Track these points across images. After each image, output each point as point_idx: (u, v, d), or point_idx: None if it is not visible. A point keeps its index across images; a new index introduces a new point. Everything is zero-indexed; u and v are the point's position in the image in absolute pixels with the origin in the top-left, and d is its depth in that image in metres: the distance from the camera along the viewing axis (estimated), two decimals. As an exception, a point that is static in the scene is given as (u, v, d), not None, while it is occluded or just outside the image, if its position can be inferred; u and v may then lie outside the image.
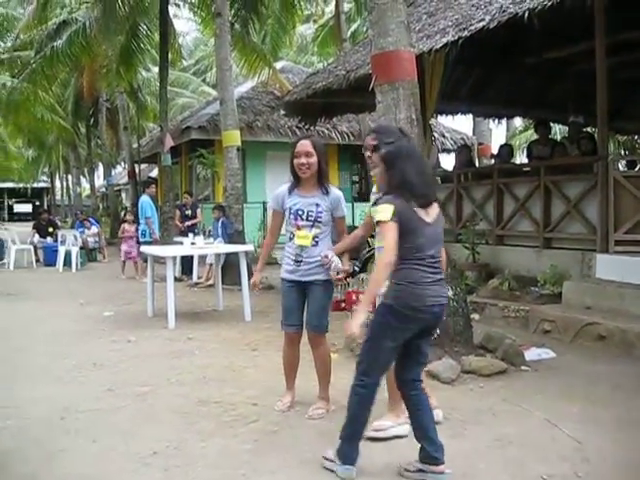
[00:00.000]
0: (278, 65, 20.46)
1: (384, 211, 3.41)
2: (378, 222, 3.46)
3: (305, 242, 4.61)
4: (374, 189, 4.32)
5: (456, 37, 7.79)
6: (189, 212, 14.06)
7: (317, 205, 4.60)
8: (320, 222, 4.60)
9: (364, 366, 3.59)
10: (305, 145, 4.56)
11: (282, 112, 14.95)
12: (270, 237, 4.98)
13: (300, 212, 4.62)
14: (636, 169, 11.34)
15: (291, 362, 4.91)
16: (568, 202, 8.76)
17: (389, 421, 4.20)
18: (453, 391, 5.22)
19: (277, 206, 4.79)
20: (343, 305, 9.03)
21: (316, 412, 4.65)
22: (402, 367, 3.71)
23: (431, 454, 3.52)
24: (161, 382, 5.56)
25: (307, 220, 4.61)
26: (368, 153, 4.19)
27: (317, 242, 4.61)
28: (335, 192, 4.68)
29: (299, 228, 4.63)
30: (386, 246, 3.39)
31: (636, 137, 16.74)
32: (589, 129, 11.57)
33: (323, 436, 4.22)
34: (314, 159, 4.55)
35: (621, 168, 11.15)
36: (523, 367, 5.87)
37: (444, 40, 7.96)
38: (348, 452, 3.60)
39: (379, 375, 3.62)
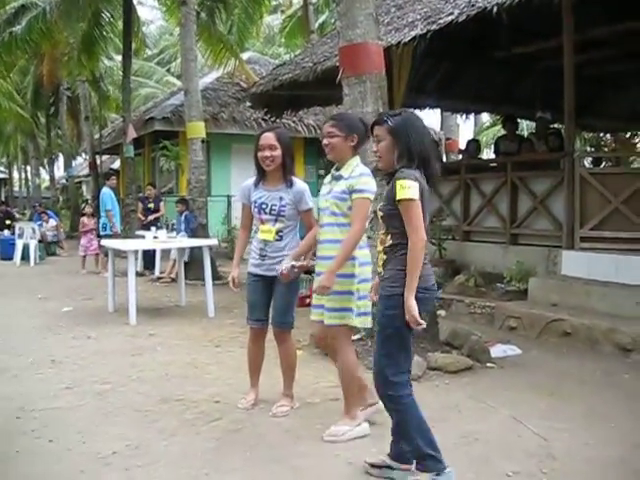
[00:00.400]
0: (244, 56, 20.33)
1: (412, 187, 3.17)
2: (402, 200, 3.18)
3: (268, 236, 4.59)
4: (328, 178, 4.29)
5: (425, 30, 7.82)
6: (152, 205, 13.91)
7: (281, 199, 4.58)
8: (283, 216, 4.57)
9: (394, 368, 3.32)
10: (268, 138, 4.53)
11: (248, 104, 14.85)
12: (242, 231, 4.93)
13: (264, 206, 4.60)
14: (601, 166, 11.53)
15: (255, 359, 4.88)
16: (535, 198, 8.86)
17: (345, 425, 4.14)
18: (419, 387, 5.20)
19: (244, 199, 4.76)
20: (308, 301, 9.00)
21: (280, 410, 4.63)
22: None
23: (404, 454, 3.44)
24: (122, 379, 5.48)
25: (270, 214, 4.58)
26: (325, 141, 4.16)
27: (281, 237, 4.59)
28: (299, 185, 4.63)
29: (262, 222, 4.62)
30: (419, 225, 3.17)
31: (602, 134, 16.98)
32: (556, 125, 11.69)
33: (287, 434, 4.21)
34: (278, 152, 4.52)
35: (587, 165, 11.32)
36: (489, 364, 5.92)
37: (412, 33, 7.98)
38: (436, 461, 3.33)
39: (410, 370, 3.43)
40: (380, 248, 3.41)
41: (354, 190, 4.03)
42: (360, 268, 4.08)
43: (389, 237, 3.34)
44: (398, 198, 3.18)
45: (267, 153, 4.51)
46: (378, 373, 3.36)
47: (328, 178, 4.29)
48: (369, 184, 4.06)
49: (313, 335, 4.49)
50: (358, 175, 4.07)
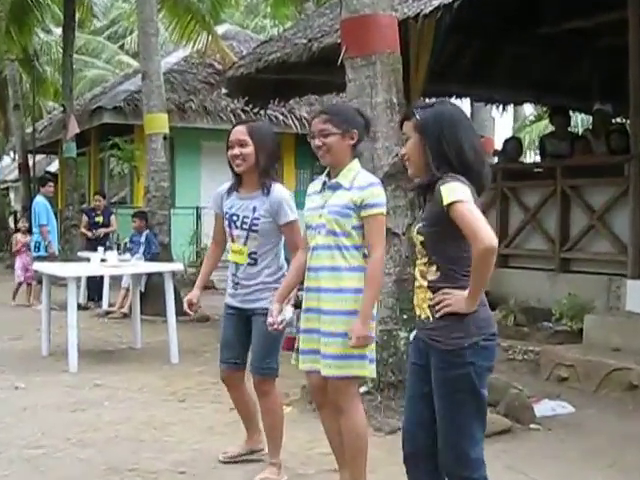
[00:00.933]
0: (220, 30, 20.48)
1: (459, 189, 3.08)
2: (452, 204, 3.05)
3: (238, 259, 4.65)
4: (316, 183, 4.28)
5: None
6: (100, 219, 13.90)
7: (254, 209, 4.60)
8: (256, 232, 4.59)
9: (470, 441, 3.20)
10: (238, 132, 4.60)
11: (224, 91, 14.93)
12: (213, 246, 5.00)
13: (234, 218, 4.65)
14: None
15: (239, 410, 5.01)
16: (592, 213, 8.88)
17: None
18: (442, 456, 5.24)
19: (217, 208, 4.82)
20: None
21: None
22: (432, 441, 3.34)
23: None
24: (59, 443, 5.46)
25: (242, 228, 4.63)
26: (318, 141, 4.08)
27: (255, 260, 4.62)
28: (277, 192, 4.62)
29: (233, 240, 4.68)
30: (481, 226, 3.03)
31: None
32: (619, 120, 11.77)
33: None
34: (249, 149, 4.55)
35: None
36: (532, 425, 5.91)
37: (435, 2, 8.03)
38: None
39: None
40: (421, 283, 3.26)
41: (364, 205, 3.94)
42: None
43: (434, 268, 3.20)
44: (446, 203, 3.05)
45: (236, 151, 4.56)
46: (450, 450, 3.20)
47: (317, 186, 4.22)
48: (381, 196, 4.02)
49: (307, 387, 4.45)
50: (367, 185, 4.00)
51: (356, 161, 4.15)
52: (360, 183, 4.01)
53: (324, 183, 4.15)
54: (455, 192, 3.06)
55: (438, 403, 3.21)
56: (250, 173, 4.61)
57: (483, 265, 3.05)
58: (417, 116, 3.26)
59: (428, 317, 3.21)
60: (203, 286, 4.97)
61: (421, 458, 3.35)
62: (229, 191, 4.75)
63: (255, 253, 4.60)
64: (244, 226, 4.60)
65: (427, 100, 13.07)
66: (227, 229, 4.71)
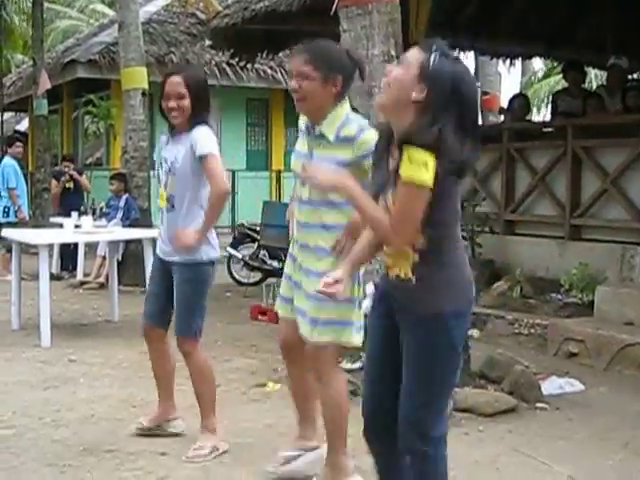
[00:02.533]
0: (203, -25, 20.33)
1: (427, 166, 2.94)
2: (404, 179, 2.94)
3: (161, 203, 4.83)
4: (302, 126, 4.17)
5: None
6: (70, 184, 13.79)
7: (177, 152, 4.73)
8: (174, 173, 4.72)
9: (436, 418, 3.22)
10: (174, 84, 4.67)
11: (207, 43, 14.85)
12: None
13: (162, 163, 4.83)
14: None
15: (156, 367, 5.17)
16: (605, 176, 8.88)
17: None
18: (443, 436, 5.27)
19: (157, 158, 4.98)
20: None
21: (197, 453, 4.74)
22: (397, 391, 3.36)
23: None
24: (31, 422, 5.48)
25: (165, 173, 4.79)
26: (293, 83, 3.99)
27: (173, 205, 4.75)
28: (196, 129, 4.69)
29: (160, 184, 4.86)
30: (405, 224, 3.02)
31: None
32: (635, 76, 11.73)
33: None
34: (185, 102, 4.65)
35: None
36: (539, 404, 5.95)
37: (438, -56, 7.98)
38: None
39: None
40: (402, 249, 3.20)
41: (363, 157, 3.81)
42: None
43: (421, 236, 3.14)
44: (404, 174, 2.94)
45: (172, 103, 4.66)
46: (412, 425, 3.19)
47: (302, 126, 4.14)
48: (375, 136, 3.78)
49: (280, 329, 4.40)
50: (357, 132, 3.87)
51: (343, 106, 4.00)
52: (348, 132, 3.89)
53: (307, 129, 4.06)
54: (419, 167, 2.92)
55: (409, 375, 3.19)
56: (185, 123, 4.71)
57: (372, 227, 3.15)
58: (433, 59, 3.04)
59: (410, 279, 3.16)
60: None
61: (379, 429, 3.37)
62: (167, 141, 4.89)
63: (173, 197, 4.74)
64: (166, 170, 4.77)
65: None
66: (158, 177, 4.92)
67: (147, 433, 5.12)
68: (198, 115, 4.70)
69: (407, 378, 3.20)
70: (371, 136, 3.78)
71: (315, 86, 3.89)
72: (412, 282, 3.15)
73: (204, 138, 4.66)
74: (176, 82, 4.66)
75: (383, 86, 3.16)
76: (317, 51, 4.00)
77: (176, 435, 5.13)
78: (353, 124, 3.93)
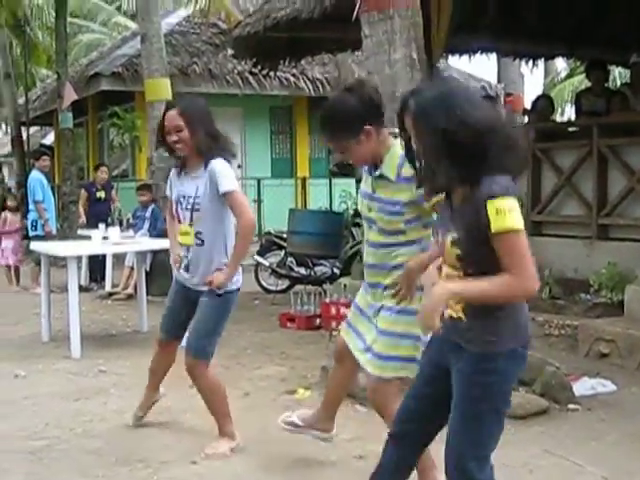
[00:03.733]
0: (224, -15, 20.40)
1: (513, 208, 2.86)
2: (499, 234, 2.85)
3: (186, 240, 4.91)
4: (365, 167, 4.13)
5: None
6: (102, 194, 13.86)
7: (197, 189, 4.80)
8: (198, 210, 4.80)
9: (480, 459, 3.15)
10: (171, 118, 4.79)
11: (230, 52, 14.89)
12: (170, 219, 5.28)
13: (181, 199, 4.92)
14: None
15: (154, 367, 5.40)
16: (631, 175, 8.84)
17: None
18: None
19: (170, 192, 5.11)
20: (318, 322, 9.08)
21: (212, 451, 4.94)
22: (431, 421, 3.39)
23: None
24: (63, 434, 5.51)
25: (186, 209, 4.87)
26: (338, 157, 4.03)
27: (202, 240, 4.83)
28: (212, 165, 4.76)
29: (180, 221, 4.96)
30: (528, 267, 2.89)
31: None
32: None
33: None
34: (184, 134, 4.74)
35: None
36: (571, 405, 5.92)
37: (457, -52, 7.98)
38: None
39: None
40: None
41: (422, 195, 3.59)
42: None
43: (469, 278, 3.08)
44: (495, 230, 2.85)
45: (174, 137, 4.77)
46: (456, 461, 3.15)
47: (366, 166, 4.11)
48: None
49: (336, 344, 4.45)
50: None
51: (396, 144, 3.91)
52: (408, 172, 3.69)
53: (369, 167, 4.04)
54: (508, 215, 2.84)
55: (459, 410, 3.15)
56: (192, 154, 4.81)
57: (503, 295, 2.97)
58: (409, 105, 3.04)
59: (460, 318, 3.11)
60: (177, 245, 5.15)
61: (406, 442, 3.41)
62: (178, 173, 4.99)
63: (201, 233, 4.82)
64: (188, 206, 4.84)
65: (452, 57, 13.02)
66: (175, 211, 5.01)
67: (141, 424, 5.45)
68: (204, 145, 4.77)
69: (454, 418, 3.16)
70: None
71: (354, 149, 3.92)
72: (463, 321, 3.10)
73: (223, 175, 4.74)
74: (172, 116, 4.79)
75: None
76: (333, 123, 3.99)
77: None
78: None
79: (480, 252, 2.96)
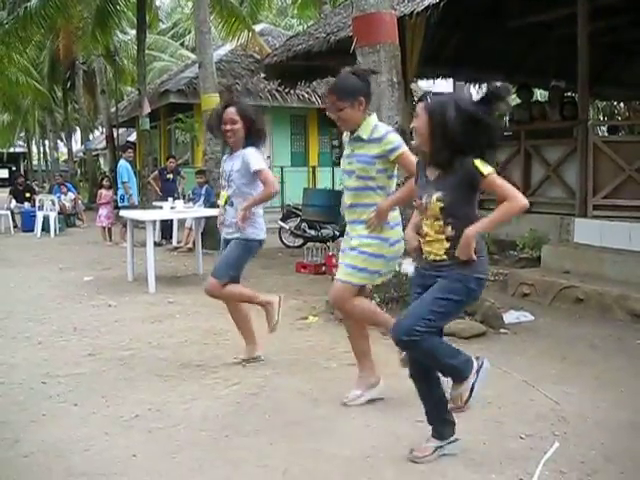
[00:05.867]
0: (257, 28, 20.18)
1: (486, 164, 3.08)
2: (489, 175, 3.04)
3: (222, 201, 4.92)
4: (346, 137, 4.09)
5: (437, 0, 7.71)
6: (170, 176, 13.86)
7: (233, 165, 4.81)
8: (232, 181, 4.80)
9: (430, 326, 3.15)
10: (230, 112, 4.76)
11: (262, 75, 14.78)
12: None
13: (224, 173, 4.91)
14: (619, 135, 11.40)
15: (233, 316, 5.12)
16: (548, 166, 8.80)
17: (358, 389, 4.15)
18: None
19: (221, 171, 5.05)
20: (324, 268, 9.10)
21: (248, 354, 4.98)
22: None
23: (447, 430, 3.44)
24: (142, 346, 5.56)
25: (225, 179, 4.89)
26: (334, 116, 3.97)
27: (232, 202, 4.83)
28: (246, 149, 4.76)
29: (222, 188, 4.98)
30: (515, 190, 3.08)
31: (616, 103, 16.77)
32: (570, 94, 11.55)
33: (305, 397, 4.27)
34: (238, 125, 4.74)
35: (601, 134, 11.20)
36: (502, 330, 5.94)
37: (426, 3, 7.87)
38: (470, 363, 3.35)
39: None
40: (438, 237, 3.19)
41: (389, 151, 3.86)
42: (392, 231, 3.99)
43: (449, 227, 3.16)
44: (486, 173, 3.04)
45: (228, 127, 4.75)
46: (410, 320, 3.16)
47: (345, 137, 4.12)
48: (397, 139, 3.91)
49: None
50: (384, 134, 3.90)
51: (373, 116, 4.02)
52: (377, 134, 3.91)
53: (349, 136, 4.06)
54: (487, 166, 3.06)
55: (428, 295, 3.19)
56: (238, 143, 4.80)
57: (509, 215, 3.11)
58: (429, 100, 3.18)
59: (444, 259, 3.19)
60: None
61: (419, 363, 3.36)
62: (225, 158, 4.99)
63: (231, 197, 4.84)
64: (226, 177, 4.87)
65: (420, 80, 12.86)
66: (221, 183, 5.06)
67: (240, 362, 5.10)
68: (249, 137, 4.77)
69: (422, 299, 3.20)
70: (394, 136, 3.91)
71: (347, 111, 3.93)
72: (445, 261, 3.19)
73: (254, 157, 4.73)
74: (231, 112, 4.75)
75: (414, 133, 3.26)
76: (338, 87, 3.99)
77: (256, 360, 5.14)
78: (381, 128, 3.95)
79: (458, 204, 3.13)
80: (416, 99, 3.35)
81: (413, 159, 3.77)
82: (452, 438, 3.43)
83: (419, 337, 3.13)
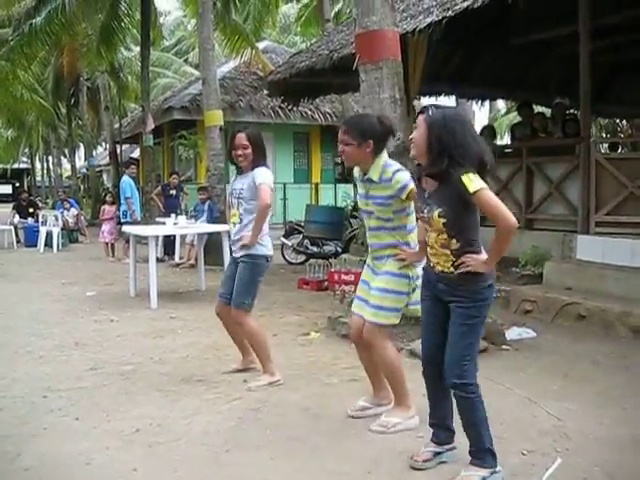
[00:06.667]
0: (261, 45, 20.32)
1: (477, 178, 3.09)
2: (476, 192, 3.06)
3: (234, 219, 4.96)
4: (357, 175, 4.11)
5: (440, 17, 7.77)
6: (173, 192, 13.89)
7: (243, 183, 4.91)
8: (242, 198, 4.89)
9: (473, 359, 3.27)
10: (240, 138, 4.88)
11: (265, 92, 14.87)
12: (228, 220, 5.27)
13: (234, 192, 4.98)
14: (619, 152, 11.42)
15: (230, 334, 5.18)
16: (550, 183, 8.81)
17: (397, 418, 4.03)
18: (435, 369, 5.26)
19: (230, 191, 5.13)
20: (325, 285, 9.10)
21: (255, 384, 4.83)
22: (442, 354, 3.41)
23: (447, 437, 3.53)
24: (144, 361, 5.56)
25: (235, 197, 4.96)
26: (340, 148, 4.01)
27: (241, 220, 4.90)
28: (257, 169, 4.86)
29: (230, 207, 5.04)
30: (504, 209, 3.12)
31: (618, 121, 16.82)
32: (572, 111, 11.60)
33: (307, 413, 4.27)
34: (248, 151, 4.87)
35: (603, 151, 11.22)
36: (504, 346, 5.93)
37: (428, 20, 7.93)
38: (494, 458, 3.31)
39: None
40: (443, 252, 3.24)
41: (399, 190, 3.87)
42: (415, 269, 3.99)
43: (454, 240, 3.21)
44: (472, 190, 3.05)
45: (240, 152, 4.87)
46: (455, 364, 3.23)
47: (357, 175, 4.11)
48: (406, 177, 3.89)
49: (350, 323, 4.32)
50: (393, 174, 3.89)
51: (382, 156, 3.98)
52: (386, 175, 3.91)
53: (360, 175, 4.06)
54: (475, 181, 3.07)
55: (455, 329, 3.24)
56: (248, 165, 4.91)
57: (505, 241, 3.19)
58: (429, 113, 3.21)
59: (452, 272, 3.24)
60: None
61: (434, 366, 3.41)
62: (235, 178, 5.08)
63: (242, 215, 4.90)
64: (235, 195, 4.95)
65: (423, 97, 12.96)
66: (229, 202, 5.11)
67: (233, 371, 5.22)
68: (256, 160, 4.89)
69: (454, 332, 3.25)
70: (402, 175, 3.91)
71: (352, 149, 3.95)
72: (454, 274, 3.24)
73: (262, 174, 4.84)
74: (241, 137, 4.87)
75: (412, 144, 3.30)
76: (352, 124, 4.03)
77: (248, 371, 5.17)
78: (389, 168, 3.93)
79: (459, 218, 3.18)
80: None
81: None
82: (450, 446, 3.52)
83: (468, 373, 3.24)
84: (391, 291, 3.95)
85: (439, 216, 3.18)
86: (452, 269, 3.24)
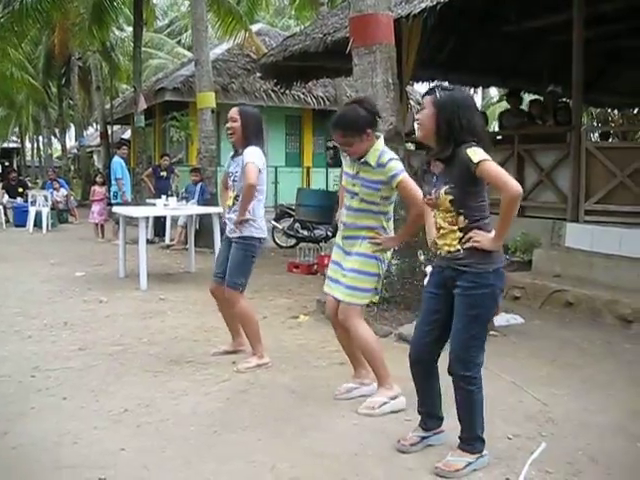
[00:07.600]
0: (254, 28, 20.19)
1: (481, 151, 3.09)
2: (481, 162, 3.04)
3: (230, 201, 4.96)
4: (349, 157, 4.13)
5: (434, 2, 7.73)
6: (164, 173, 13.81)
7: (237, 165, 4.90)
8: (237, 180, 4.89)
9: (479, 350, 3.25)
10: (232, 112, 4.90)
11: (258, 75, 14.80)
12: (222, 201, 5.30)
13: (230, 174, 4.99)
14: (609, 141, 11.45)
15: (223, 314, 5.20)
16: (541, 171, 8.82)
17: (382, 397, 4.05)
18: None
19: (226, 173, 5.13)
20: (315, 268, 9.11)
21: (243, 365, 4.82)
22: (439, 342, 3.42)
23: (435, 423, 3.54)
24: (133, 342, 5.56)
25: (231, 179, 4.97)
26: (346, 151, 4.02)
27: (236, 202, 4.89)
28: (248, 149, 4.80)
29: (227, 188, 5.05)
30: (508, 176, 3.07)
31: (610, 110, 16.83)
32: (564, 99, 11.60)
33: (294, 395, 4.28)
34: (237, 124, 4.82)
35: (594, 140, 11.24)
36: (492, 332, 5.91)
37: (423, 5, 7.89)
38: (482, 444, 3.33)
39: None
40: (452, 229, 3.21)
41: (391, 177, 3.90)
42: (386, 254, 4.09)
43: (462, 217, 3.18)
44: (476, 161, 3.05)
45: (228, 124, 4.86)
46: (461, 354, 3.22)
47: (344, 155, 4.13)
48: (398, 166, 3.94)
49: (325, 305, 4.35)
50: (387, 161, 3.91)
51: (380, 140, 4.01)
52: (382, 160, 3.93)
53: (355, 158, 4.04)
54: (479, 153, 3.07)
55: (460, 318, 3.21)
56: (240, 142, 4.86)
57: (510, 209, 3.10)
58: (437, 94, 3.20)
59: (459, 250, 3.21)
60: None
61: (423, 364, 3.44)
62: (232, 157, 5.05)
63: (238, 196, 4.87)
64: (231, 177, 4.96)
65: (416, 83, 12.91)
66: (226, 183, 5.08)
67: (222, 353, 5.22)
68: (248, 138, 4.81)
69: (457, 322, 3.22)
70: (395, 163, 3.94)
71: (357, 145, 3.94)
72: (460, 252, 3.20)
73: (250, 153, 4.76)
74: (233, 111, 4.89)
75: (417, 125, 3.30)
76: (345, 125, 3.94)
77: (237, 353, 5.18)
78: (385, 155, 3.95)
79: (465, 195, 3.15)
80: (411, 101, 3.41)
81: (412, 185, 3.90)
82: (438, 429, 3.54)
83: (473, 366, 3.23)
84: (364, 272, 4.00)
85: (446, 193, 3.18)
86: (459, 247, 3.21)
